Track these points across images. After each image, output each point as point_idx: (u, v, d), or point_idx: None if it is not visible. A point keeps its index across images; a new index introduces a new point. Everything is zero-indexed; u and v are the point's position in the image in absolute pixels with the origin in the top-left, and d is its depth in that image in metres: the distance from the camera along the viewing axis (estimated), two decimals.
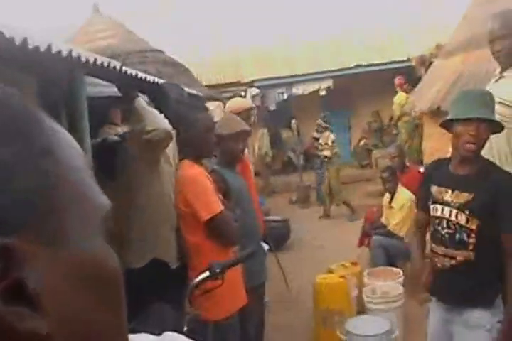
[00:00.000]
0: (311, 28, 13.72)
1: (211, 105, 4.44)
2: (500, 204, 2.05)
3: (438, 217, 2.23)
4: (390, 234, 4.78)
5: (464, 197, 2.13)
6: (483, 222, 2.08)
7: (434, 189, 2.26)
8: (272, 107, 10.98)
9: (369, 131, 11.41)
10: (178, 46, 11.98)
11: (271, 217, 6.55)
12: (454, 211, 2.15)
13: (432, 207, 2.26)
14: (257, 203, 3.71)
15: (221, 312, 2.31)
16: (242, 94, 9.82)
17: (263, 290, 3.23)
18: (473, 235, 2.10)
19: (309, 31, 13.68)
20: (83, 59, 1.97)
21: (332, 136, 8.33)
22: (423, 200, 2.35)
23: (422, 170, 6.11)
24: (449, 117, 2.20)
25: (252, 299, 2.65)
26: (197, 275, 1.99)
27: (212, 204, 2.27)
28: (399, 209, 4.81)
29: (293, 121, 10.05)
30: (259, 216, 3.56)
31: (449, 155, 2.35)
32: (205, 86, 9.34)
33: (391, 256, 4.69)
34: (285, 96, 11.03)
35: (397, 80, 9.06)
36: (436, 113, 5.36)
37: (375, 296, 3.87)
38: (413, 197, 4.76)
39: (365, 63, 11.30)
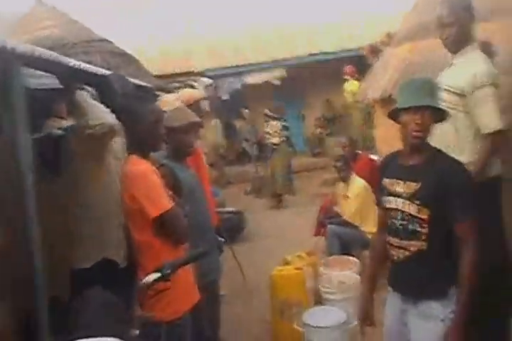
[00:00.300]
0: (263, 17, 13.65)
1: (171, 97, 4.28)
2: (449, 192, 2.05)
3: (392, 209, 2.23)
4: (345, 223, 4.79)
5: (413, 186, 2.13)
6: (433, 211, 2.08)
7: (386, 182, 2.27)
8: (225, 97, 10.87)
9: (322, 119, 11.47)
10: (127, 36, 11.68)
11: (225, 209, 6.49)
12: (406, 202, 2.15)
13: (386, 199, 2.27)
14: (210, 195, 3.64)
15: (174, 312, 2.23)
16: (194, 84, 9.65)
17: (217, 286, 3.17)
18: (424, 225, 2.10)
19: (261, 20, 13.61)
20: (20, 50, 1.84)
21: (279, 124, 8.36)
22: (379, 196, 2.35)
23: (374, 157, 6.18)
24: (394, 107, 2.20)
25: (206, 295, 2.59)
26: (146, 276, 1.90)
27: (161, 201, 2.18)
28: (354, 198, 4.83)
29: (246, 111, 9.99)
30: (212, 208, 3.49)
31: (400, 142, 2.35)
32: (155, 76, 9.11)
33: (347, 244, 4.71)
34: (238, 86, 10.95)
35: (348, 69, 9.11)
36: (387, 101, 5.38)
37: (332, 286, 3.87)
38: (367, 185, 4.80)
39: (318, 52, 11.33)
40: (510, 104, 3.47)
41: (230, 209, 6.65)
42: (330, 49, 11.42)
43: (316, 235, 5.30)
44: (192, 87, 8.82)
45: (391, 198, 2.23)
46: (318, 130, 11.42)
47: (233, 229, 6.01)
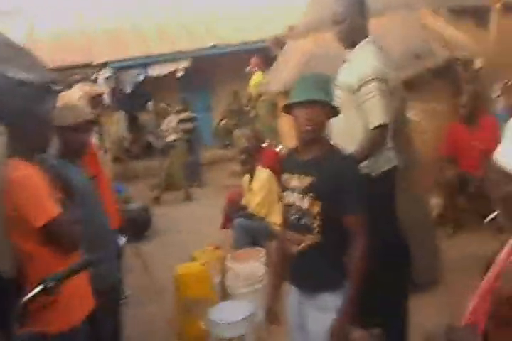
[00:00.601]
0: (166, 7, 13.37)
1: (69, 93, 4.02)
2: (340, 186, 2.10)
3: (288, 204, 2.26)
4: (252, 216, 4.82)
5: (307, 180, 2.16)
6: (325, 204, 2.12)
7: (284, 177, 2.30)
8: (128, 89, 10.54)
9: (229, 111, 11.45)
10: (19, 26, 10.98)
11: (130, 205, 6.31)
12: (299, 196, 2.18)
13: (283, 195, 2.30)
14: (109, 195, 3.49)
15: (66, 323, 2.09)
16: (93, 77, 9.27)
17: (118, 289, 3.05)
18: (317, 218, 2.13)
19: (164, 10, 13.31)
20: None
21: (175, 120, 8.30)
22: (281, 191, 2.38)
23: (279, 149, 6.26)
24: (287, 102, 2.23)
25: (104, 301, 2.48)
26: (31, 289, 1.77)
27: (47, 209, 2.03)
28: (259, 190, 4.85)
29: (149, 103, 9.73)
30: (113, 208, 3.36)
31: None
32: (52, 69, 8.62)
33: (254, 237, 4.74)
34: (141, 78, 10.64)
35: (253, 60, 9.12)
36: (289, 93, 5.45)
37: (239, 280, 3.87)
38: (272, 176, 4.84)
39: (222, 44, 11.26)
40: (400, 97, 3.63)
41: (135, 205, 6.47)
42: (235, 40, 11.40)
43: (223, 228, 5.29)
44: (91, 80, 8.49)
45: (287, 193, 2.25)
46: (226, 121, 11.40)
47: (139, 225, 5.87)
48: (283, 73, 5.89)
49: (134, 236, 4.41)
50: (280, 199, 2.40)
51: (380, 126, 2.71)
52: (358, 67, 2.78)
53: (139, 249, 4.76)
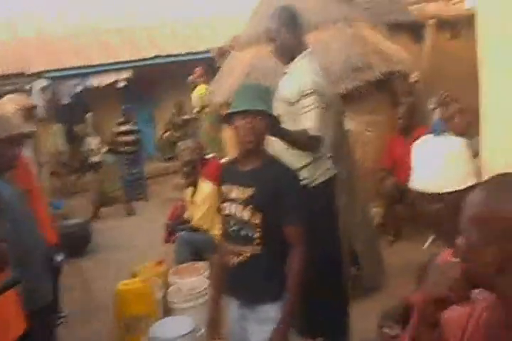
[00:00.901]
0: (107, 17, 13.12)
1: (8, 102, 3.80)
2: (281, 197, 2.10)
3: (227, 216, 2.22)
4: (195, 229, 4.73)
5: (247, 191, 2.15)
6: (266, 215, 2.11)
7: (223, 188, 2.27)
8: (66, 101, 10.18)
9: (172, 123, 11.30)
10: None
11: (69, 221, 6.07)
12: (240, 207, 2.16)
13: (222, 206, 2.26)
14: (43, 210, 3.33)
15: None
16: (27, 87, 8.89)
17: (53, 309, 2.90)
18: (258, 229, 2.12)
19: (105, 20, 13.06)
20: None
21: (93, 141, 8.17)
22: (220, 202, 2.34)
23: (223, 161, 6.22)
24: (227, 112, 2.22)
25: (38, 322, 2.34)
26: None
27: None
28: (201, 203, 4.78)
29: (88, 115, 9.43)
30: (47, 224, 3.21)
31: None
32: None
33: (198, 251, 4.65)
34: (79, 89, 10.32)
35: (196, 71, 8.99)
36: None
37: (181, 295, 3.78)
38: (215, 189, 4.77)
39: (165, 54, 11.15)
40: (338, 110, 3.69)
41: (75, 220, 6.23)
42: (179, 50, 11.32)
43: (166, 242, 5.16)
44: (24, 91, 8.18)
45: (227, 204, 2.23)
46: (169, 133, 11.24)
47: (79, 241, 5.65)
48: (226, 84, 5.89)
49: (73, 252, 4.23)
50: (219, 210, 2.36)
51: (315, 136, 2.73)
52: (297, 80, 2.80)
53: (79, 265, 4.57)
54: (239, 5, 13.60)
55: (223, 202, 2.25)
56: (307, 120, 2.73)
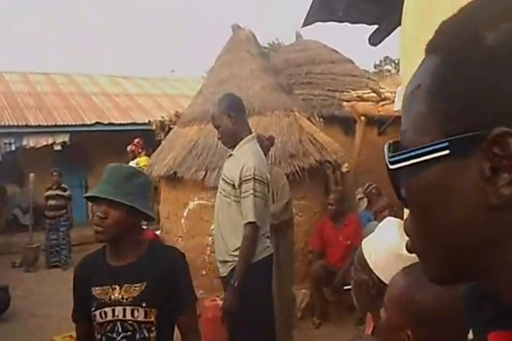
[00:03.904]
0: (47, 79, 13.25)
1: None
2: (171, 284, 1.86)
3: (109, 322, 1.84)
4: None
5: (137, 288, 1.84)
6: (161, 309, 1.85)
7: (95, 291, 1.87)
8: None
9: None
10: None
11: None
12: (129, 308, 1.82)
13: (97, 313, 1.85)
14: None
15: None
16: None
17: None
18: (153, 328, 1.84)
19: (48, 81, 13.19)
20: None
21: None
22: (81, 310, 1.93)
23: (158, 233, 6.24)
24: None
25: None
26: None
27: None
28: None
29: (32, 175, 9.10)
30: None
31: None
32: None
33: None
34: (13, 148, 10.13)
35: (136, 141, 8.87)
36: (172, 178, 5.61)
37: None
38: None
39: (106, 122, 11.27)
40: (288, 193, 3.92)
41: None
42: (119, 120, 11.48)
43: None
44: None
45: (106, 309, 1.83)
46: None
47: None
48: (167, 158, 6.03)
49: None
50: (78, 320, 1.97)
51: (250, 223, 2.85)
52: (239, 164, 2.91)
53: None
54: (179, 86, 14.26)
55: (98, 307, 1.84)
56: (244, 205, 2.86)
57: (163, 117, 9.25)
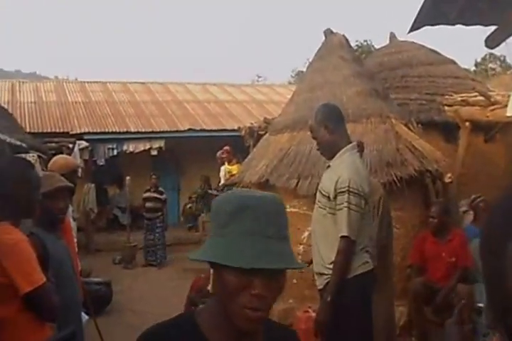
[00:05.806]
0: (146, 88, 13.87)
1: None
2: None
3: None
4: None
5: None
6: None
7: None
8: (101, 162, 10.57)
9: (197, 194, 11.46)
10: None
11: (93, 279, 6.08)
12: None
13: None
14: (78, 268, 3.39)
15: None
16: (70, 146, 9.28)
17: None
18: None
19: (145, 90, 13.81)
20: None
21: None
22: None
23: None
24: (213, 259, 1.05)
25: None
26: None
27: (34, 275, 1.98)
28: None
29: (127, 178, 9.59)
30: (80, 280, 3.24)
31: None
32: (28, 133, 8.65)
33: None
34: (115, 153, 10.72)
35: (225, 148, 8.71)
36: (263, 185, 5.56)
37: None
38: None
39: (198, 128, 11.58)
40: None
41: (98, 279, 6.23)
42: (210, 127, 11.75)
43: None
44: (68, 148, 8.50)
45: None
46: (192, 205, 11.38)
47: (100, 300, 5.57)
48: (258, 166, 5.99)
49: (94, 310, 4.18)
50: None
51: (344, 237, 2.74)
52: (335, 176, 2.83)
53: (98, 324, 4.49)
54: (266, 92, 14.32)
55: None
56: (340, 218, 2.77)
57: (252, 124, 9.32)
